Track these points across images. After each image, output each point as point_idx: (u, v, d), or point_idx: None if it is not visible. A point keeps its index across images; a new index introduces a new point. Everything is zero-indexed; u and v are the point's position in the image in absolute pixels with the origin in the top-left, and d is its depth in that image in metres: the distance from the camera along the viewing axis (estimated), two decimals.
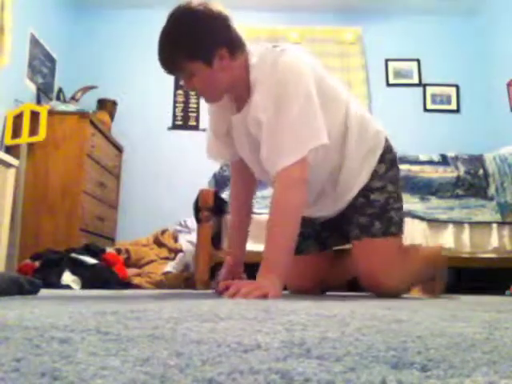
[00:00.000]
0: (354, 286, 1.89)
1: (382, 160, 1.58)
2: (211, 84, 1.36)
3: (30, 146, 3.20)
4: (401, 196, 1.62)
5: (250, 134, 1.41)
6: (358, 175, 1.54)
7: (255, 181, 1.70)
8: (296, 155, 1.27)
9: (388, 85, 4.45)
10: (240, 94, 1.42)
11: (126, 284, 2.58)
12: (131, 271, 2.76)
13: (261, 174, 1.55)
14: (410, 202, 2.53)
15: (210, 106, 1.57)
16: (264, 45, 1.44)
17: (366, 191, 1.55)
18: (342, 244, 1.76)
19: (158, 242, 3.16)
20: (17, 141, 3.15)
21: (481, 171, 2.62)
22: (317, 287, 1.76)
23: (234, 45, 1.34)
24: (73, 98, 3.75)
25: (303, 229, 1.44)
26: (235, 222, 1.67)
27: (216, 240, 2.59)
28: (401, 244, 1.60)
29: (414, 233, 2.49)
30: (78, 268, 2.40)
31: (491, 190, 2.60)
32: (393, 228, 1.54)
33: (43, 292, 1.35)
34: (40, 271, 2.36)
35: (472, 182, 2.60)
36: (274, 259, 1.25)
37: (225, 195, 2.51)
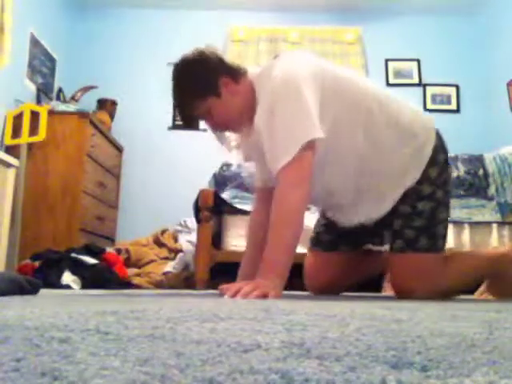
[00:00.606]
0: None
1: (434, 161, 1.47)
2: (228, 111, 1.43)
3: (30, 145, 3.20)
4: (449, 203, 1.54)
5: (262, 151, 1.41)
6: (402, 174, 1.46)
7: None
8: (290, 153, 1.27)
9: (388, 85, 4.45)
10: (252, 115, 1.43)
11: (126, 284, 2.58)
12: (131, 271, 2.77)
13: None
14: None
15: (239, 139, 1.60)
16: (268, 62, 1.49)
17: (413, 197, 1.46)
18: (375, 245, 1.69)
19: (158, 242, 3.16)
20: (17, 141, 3.15)
21: (481, 171, 2.62)
22: (338, 286, 1.71)
23: (232, 72, 1.43)
24: (73, 98, 3.76)
25: (336, 228, 1.52)
26: (251, 255, 1.55)
27: (216, 240, 2.59)
28: (442, 256, 1.53)
29: None
30: (78, 268, 2.40)
31: (491, 190, 2.60)
32: (438, 243, 1.49)
33: (43, 292, 1.35)
34: (40, 271, 2.36)
35: (472, 182, 2.60)
36: (274, 259, 1.25)
37: (225, 195, 2.51)
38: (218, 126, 1.50)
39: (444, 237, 1.51)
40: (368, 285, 2.00)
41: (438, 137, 1.53)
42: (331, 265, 1.66)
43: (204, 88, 1.41)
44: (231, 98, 1.42)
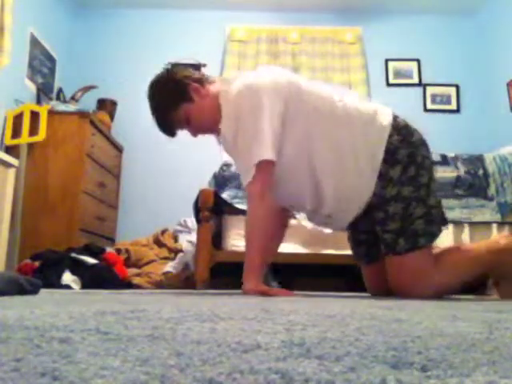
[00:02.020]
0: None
1: (394, 161, 1.47)
2: (204, 113, 1.56)
3: (30, 146, 3.20)
4: (426, 195, 1.49)
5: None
6: (359, 184, 1.48)
7: (285, 225, 1.72)
8: (250, 173, 1.42)
9: (388, 85, 4.45)
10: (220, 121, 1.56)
11: (126, 284, 2.58)
12: (131, 271, 2.76)
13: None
14: None
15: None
16: (241, 73, 1.64)
17: (382, 202, 1.47)
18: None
19: (158, 242, 3.16)
20: (17, 141, 3.15)
21: (481, 171, 2.62)
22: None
23: (199, 79, 1.57)
24: (73, 98, 3.75)
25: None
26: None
27: (216, 240, 2.59)
28: (429, 252, 1.49)
29: None
30: (78, 268, 2.40)
31: (491, 190, 2.60)
32: (421, 240, 1.46)
33: (43, 292, 1.35)
34: (40, 271, 2.36)
35: (472, 182, 2.60)
36: (249, 264, 1.43)
37: (225, 195, 2.50)
38: (199, 130, 1.61)
39: (427, 231, 1.47)
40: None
41: (398, 130, 1.50)
42: (376, 275, 1.65)
43: (176, 97, 1.54)
44: (203, 101, 1.55)
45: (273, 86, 1.45)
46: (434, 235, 1.50)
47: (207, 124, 1.58)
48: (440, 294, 1.52)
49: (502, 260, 1.53)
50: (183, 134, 1.65)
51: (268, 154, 1.40)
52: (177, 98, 1.54)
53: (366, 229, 1.61)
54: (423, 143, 1.54)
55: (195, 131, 1.61)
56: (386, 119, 1.51)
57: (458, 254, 1.57)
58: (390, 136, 1.48)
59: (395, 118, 1.54)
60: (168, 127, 1.59)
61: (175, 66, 1.62)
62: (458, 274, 1.52)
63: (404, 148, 1.48)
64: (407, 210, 1.46)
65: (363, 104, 1.55)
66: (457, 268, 1.52)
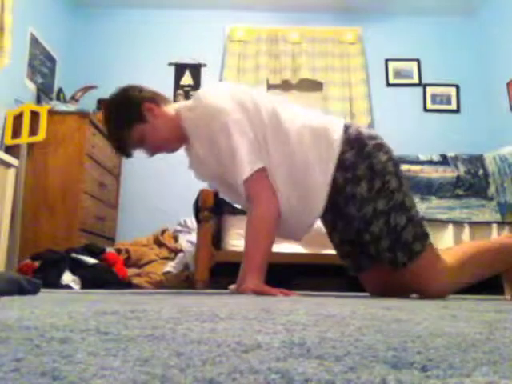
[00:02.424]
0: None
1: (356, 178, 1.44)
2: (158, 133, 1.55)
3: (30, 146, 3.20)
4: (401, 199, 1.45)
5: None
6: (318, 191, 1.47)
7: None
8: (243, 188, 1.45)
9: (388, 85, 4.45)
10: (183, 140, 1.58)
11: (126, 284, 2.58)
12: (131, 271, 2.77)
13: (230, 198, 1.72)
14: None
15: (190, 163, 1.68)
16: (197, 93, 1.58)
17: (364, 225, 1.45)
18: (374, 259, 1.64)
19: (158, 242, 3.16)
20: (17, 141, 3.15)
21: (481, 171, 2.62)
22: (393, 292, 1.66)
23: (154, 99, 1.56)
24: (73, 98, 3.76)
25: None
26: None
27: (216, 240, 2.59)
28: (432, 249, 1.48)
29: None
30: (78, 268, 2.40)
31: (491, 190, 2.60)
32: (416, 246, 1.44)
33: (43, 292, 1.35)
34: (40, 271, 2.36)
35: (472, 182, 2.60)
36: (252, 264, 1.43)
37: None
38: (154, 150, 1.59)
39: (417, 235, 1.45)
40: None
41: (350, 144, 1.47)
42: (371, 281, 1.64)
43: (129, 117, 1.53)
44: (157, 120, 1.53)
45: (233, 102, 1.46)
46: (425, 235, 1.48)
47: (163, 144, 1.57)
48: (457, 287, 1.52)
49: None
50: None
51: (249, 168, 1.41)
52: (130, 119, 1.52)
53: (348, 238, 1.59)
54: (379, 147, 1.49)
55: (151, 151, 1.59)
56: (336, 133, 1.47)
57: (463, 249, 1.58)
58: (344, 152, 1.45)
59: (346, 129, 1.50)
60: (123, 148, 1.58)
61: (129, 86, 1.59)
62: (470, 271, 1.51)
63: (361, 162, 1.45)
64: (389, 223, 1.43)
65: (315, 119, 1.52)
66: (476, 262, 1.52)
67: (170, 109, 1.58)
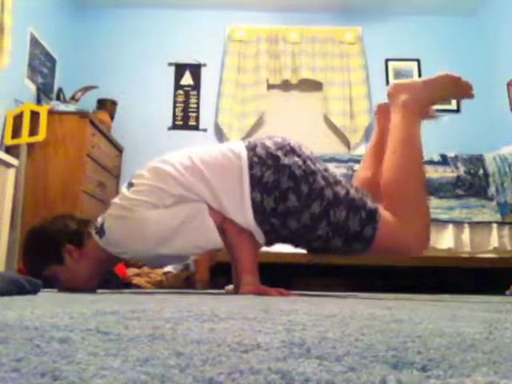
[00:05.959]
0: None
1: (283, 193, 1.39)
2: (73, 276, 1.50)
3: (30, 146, 3.20)
4: (332, 192, 1.40)
5: None
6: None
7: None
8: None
9: (388, 85, 4.45)
10: (113, 265, 1.62)
11: (126, 284, 2.58)
12: (131, 271, 2.76)
13: None
14: None
15: None
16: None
17: (309, 233, 1.42)
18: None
19: None
20: (17, 141, 3.15)
21: (481, 171, 2.62)
22: None
23: (76, 237, 1.50)
24: (73, 98, 3.76)
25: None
26: None
27: None
28: (385, 219, 1.41)
29: None
30: None
31: (491, 190, 2.60)
32: (367, 231, 1.40)
33: (43, 292, 1.35)
34: None
35: (472, 182, 2.61)
36: (243, 266, 1.43)
37: None
38: (66, 286, 1.53)
39: (364, 220, 1.40)
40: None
41: (262, 162, 1.41)
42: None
43: (46, 257, 1.48)
44: (75, 263, 1.49)
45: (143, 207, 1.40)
46: (371, 213, 1.41)
47: (76, 284, 1.51)
48: (426, 227, 1.44)
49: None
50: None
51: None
52: (46, 259, 1.48)
53: (309, 249, 1.56)
54: (291, 153, 1.43)
55: (64, 285, 1.53)
56: (241, 158, 1.43)
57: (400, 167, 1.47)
58: (263, 174, 1.40)
59: (252, 150, 1.44)
60: (35, 277, 1.52)
61: (57, 218, 1.54)
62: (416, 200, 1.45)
63: (282, 175, 1.40)
64: (331, 222, 1.40)
65: (218, 152, 1.47)
66: (410, 200, 1.44)
67: (94, 242, 1.46)
